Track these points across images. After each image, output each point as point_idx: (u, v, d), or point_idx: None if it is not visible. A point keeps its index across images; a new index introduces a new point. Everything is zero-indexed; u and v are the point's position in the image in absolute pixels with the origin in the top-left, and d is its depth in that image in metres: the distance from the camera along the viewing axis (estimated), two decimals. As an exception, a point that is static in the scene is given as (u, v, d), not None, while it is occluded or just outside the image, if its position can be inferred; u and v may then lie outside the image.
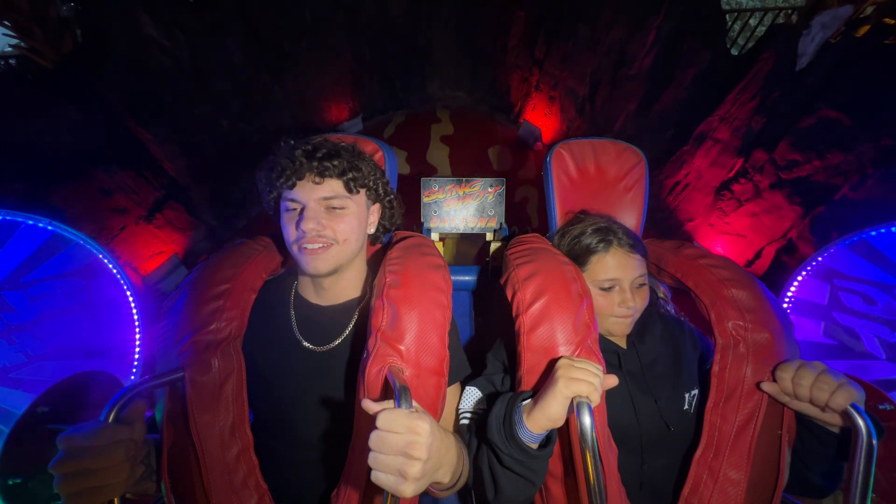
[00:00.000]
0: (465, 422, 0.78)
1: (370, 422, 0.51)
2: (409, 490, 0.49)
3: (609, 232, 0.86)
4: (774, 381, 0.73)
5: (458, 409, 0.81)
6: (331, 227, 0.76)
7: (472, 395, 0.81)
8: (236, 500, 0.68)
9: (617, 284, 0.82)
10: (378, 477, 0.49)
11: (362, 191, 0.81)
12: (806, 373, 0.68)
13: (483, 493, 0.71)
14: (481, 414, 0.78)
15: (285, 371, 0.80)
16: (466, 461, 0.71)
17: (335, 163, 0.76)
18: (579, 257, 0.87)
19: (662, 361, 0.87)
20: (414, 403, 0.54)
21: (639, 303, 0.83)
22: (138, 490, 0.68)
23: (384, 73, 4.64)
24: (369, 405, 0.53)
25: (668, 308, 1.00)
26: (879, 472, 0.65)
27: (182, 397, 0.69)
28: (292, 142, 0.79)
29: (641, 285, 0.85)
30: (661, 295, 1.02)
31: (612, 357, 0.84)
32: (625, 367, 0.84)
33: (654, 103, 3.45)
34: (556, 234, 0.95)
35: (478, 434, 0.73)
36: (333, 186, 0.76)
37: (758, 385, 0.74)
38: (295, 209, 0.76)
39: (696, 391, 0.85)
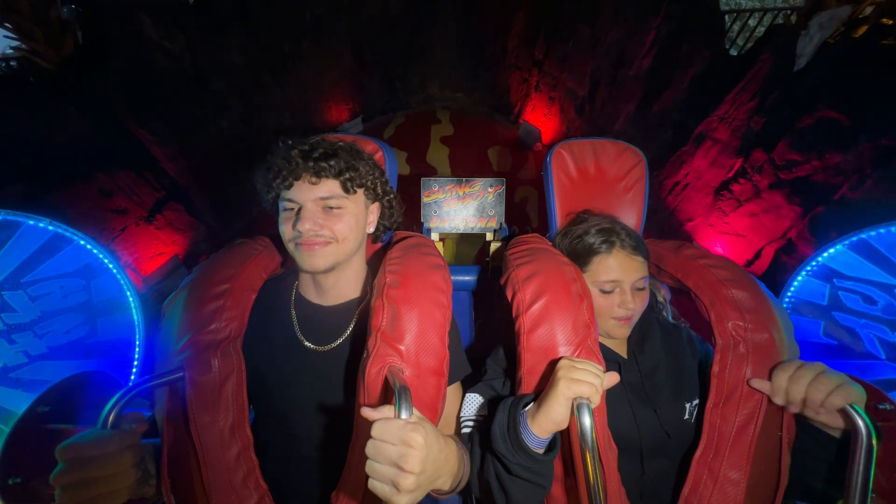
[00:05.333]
0: (467, 430, 0.78)
1: (369, 425, 0.51)
2: (403, 501, 0.49)
3: (612, 233, 0.85)
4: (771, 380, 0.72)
5: (459, 416, 0.80)
6: (328, 226, 0.75)
7: (474, 401, 0.80)
8: (236, 500, 0.68)
9: (618, 286, 0.82)
10: (374, 485, 0.50)
11: (360, 190, 0.80)
12: (804, 373, 0.68)
13: (488, 500, 0.70)
14: (482, 421, 0.77)
15: (286, 370, 0.80)
16: (467, 465, 0.71)
17: (332, 163, 0.75)
18: (581, 257, 0.86)
19: (662, 370, 0.86)
20: (414, 410, 0.54)
21: (638, 305, 0.83)
22: (137, 494, 0.68)
23: (384, 74, 4.65)
24: (368, 413, 0.53)
25: (666, 313, 1.00)
26: (879, 472, 0.65)
27: (182, 397, 0.69)
28: (290, 142, 0.78)
29: (641, 288, 0.84)
30: (660, 299, 1.01)
31: (612, 367, 0.84)
32: (625, 377, 0.83)
33: (653, 104, 3.46)
34: (559, 235, 0.95)
35: (481, 444, 0.73)
36: (330, 186, 0.76)
37: (748, 382, 0.74)
38: (292, 209, 0.76)
39: (696, 401, 0.84)
